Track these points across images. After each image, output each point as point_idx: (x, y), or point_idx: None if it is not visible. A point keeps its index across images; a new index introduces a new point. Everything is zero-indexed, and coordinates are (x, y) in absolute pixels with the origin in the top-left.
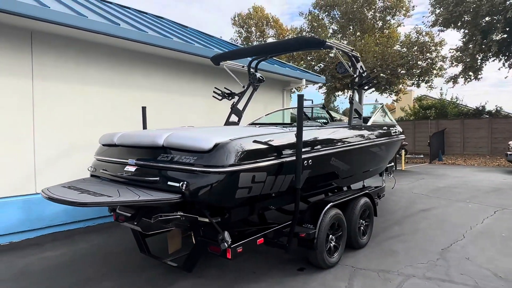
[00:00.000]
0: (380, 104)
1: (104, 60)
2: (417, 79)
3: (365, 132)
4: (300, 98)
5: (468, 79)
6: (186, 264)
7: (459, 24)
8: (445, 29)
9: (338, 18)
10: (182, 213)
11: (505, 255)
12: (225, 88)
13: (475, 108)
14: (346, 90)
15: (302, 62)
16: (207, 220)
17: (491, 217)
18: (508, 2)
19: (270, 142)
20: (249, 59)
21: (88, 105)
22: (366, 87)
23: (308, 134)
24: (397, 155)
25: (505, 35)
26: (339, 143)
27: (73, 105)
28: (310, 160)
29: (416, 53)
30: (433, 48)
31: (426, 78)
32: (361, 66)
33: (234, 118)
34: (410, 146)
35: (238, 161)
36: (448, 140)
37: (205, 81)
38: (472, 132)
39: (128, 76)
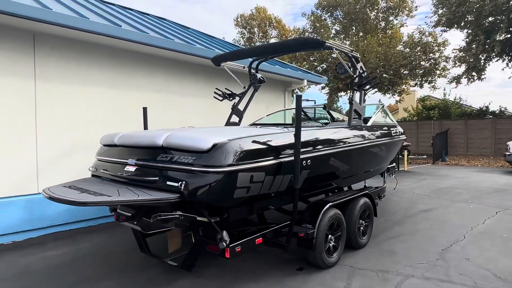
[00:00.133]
0: (381, 104)
1: (106, 61)
2: (420, 80)
3: (365, 133)
4: (298, 99)
5: (471, 80)
6: (185, 263)
7: (462, 24)
8: (448, 29)
9: (340, 19)
10: (181, 213)
11: (505, 256)
12: (226, 88)
13: (478, 108)
14: (348, 91)
15: (305, 62)
16: (206, 219)
17: (493, 217)
18: (511, 2)
19: (268, 142)
20: (250, 60)
21: (90, 105)
22: (366, 88)
23: (307, 134)
24: (400, 156)
25: (509, 35)
26: (338, 144)
27: (75, 106)
28: (309, 160)
29: (419, 53)
30: (436, 48)
31: (429, 79)
32: (361, 67)
33: (235, 118)
34: (413, 147)
35: (236, 161)
36: (452, 141)
37: (206, 82)
38: (475, 132)
39: (129, 77)
